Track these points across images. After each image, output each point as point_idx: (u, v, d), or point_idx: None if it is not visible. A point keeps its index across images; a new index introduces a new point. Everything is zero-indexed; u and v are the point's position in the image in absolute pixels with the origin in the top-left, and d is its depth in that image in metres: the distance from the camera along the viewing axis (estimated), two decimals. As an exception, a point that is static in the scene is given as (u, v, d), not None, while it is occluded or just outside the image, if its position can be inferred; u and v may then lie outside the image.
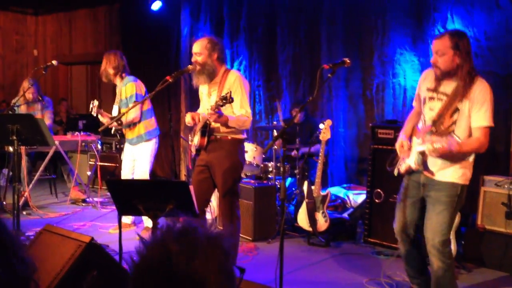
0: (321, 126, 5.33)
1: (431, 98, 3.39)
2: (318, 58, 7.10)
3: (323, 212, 5.29)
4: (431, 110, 3.38)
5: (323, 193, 5.35)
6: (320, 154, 5.30)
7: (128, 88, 5.40)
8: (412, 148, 3.44)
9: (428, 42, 5.94)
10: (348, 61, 3.41)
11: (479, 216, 4.74)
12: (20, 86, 6.64)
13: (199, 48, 4.19)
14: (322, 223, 5.29)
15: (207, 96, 4.31)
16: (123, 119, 5.32)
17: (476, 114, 3.22)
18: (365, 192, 5.58)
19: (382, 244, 5.14)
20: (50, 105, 7.05)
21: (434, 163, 3.37)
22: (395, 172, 3.58)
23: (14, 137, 4.62)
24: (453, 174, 3.34)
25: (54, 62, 5.41)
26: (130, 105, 5.24)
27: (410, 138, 3.51)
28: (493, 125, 3.27)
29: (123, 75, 5.51)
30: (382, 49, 6.49)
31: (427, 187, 3.44)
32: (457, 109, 3.26)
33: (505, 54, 5.37)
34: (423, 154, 3.35)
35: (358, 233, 5.44)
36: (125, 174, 5.57)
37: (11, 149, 5.39)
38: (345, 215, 5.91)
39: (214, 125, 4.15)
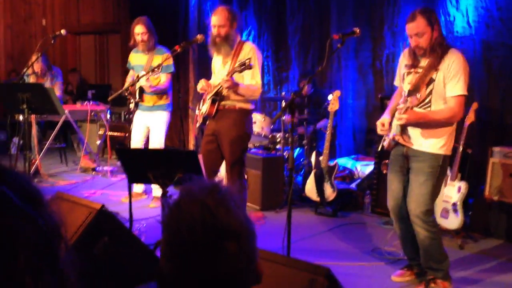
0: (329, 97, 5.32)
1: (409, 73, 3.49)
2: (328, 28, 7.03)
3: (330, 183, 5.32)
4: (409, 84, 3.46)
5: (331, 163, 5.37)
6: (329, 125, 5.30)
7: (165, 57, 5.35)
8: (393, 121, 3.50)
9: (439, 12, 5.85)
10: (358, 31, 3.40)
11: (487, 187, 4.75)
12: (29, 57, 6.64)
13: (221, 20, 4.15)
14: (330, 193, 5.32)
15: (222, 66, 4.30)
16: (155, 83, 5.27)
17: (450, 83, 3.31)
18: (373, 163, 5.59)
19: (389, 214, 5.16)
20: (60, 76, 7.06)
21: (415, 133, 3.45)
22: (379, 148, 3.64)
23: (24, 106, 4.65)
24: (434, 144, 3.42)
25: (62, 31, 5.39)
26: (163, 73, 5.23)
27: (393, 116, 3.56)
28: (467, 93, 3.35)
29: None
30: (392, 20, 6.41)
31: (410, 159, 3.51)
32: (432, 80, 3.36)
33: (517, 25, 5.29)
34: (400, 124, 3.43)
35: (365, 203, 5.48)
36: (136, 142, 5.53)
37: (21, 118, 5.42)
38: (353, 185, 5.94)
39: (225, 92, 4.16)
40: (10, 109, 5.24)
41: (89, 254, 2.98)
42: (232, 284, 1.09)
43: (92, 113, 6.98)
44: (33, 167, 6.30)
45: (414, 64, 3.46)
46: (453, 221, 4.39)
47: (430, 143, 3.42)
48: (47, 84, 6.73)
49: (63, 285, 0.63)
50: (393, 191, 3.65)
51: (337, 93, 5.31)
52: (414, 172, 3.49)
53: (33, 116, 6.19)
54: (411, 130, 3.46)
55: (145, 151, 4.44)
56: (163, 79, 5.34)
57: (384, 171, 5.17)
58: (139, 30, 5.36)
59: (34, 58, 6.29)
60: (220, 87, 4.14)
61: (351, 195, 5.67)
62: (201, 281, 1.07)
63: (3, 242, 0.58)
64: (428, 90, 3.37)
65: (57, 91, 6.66)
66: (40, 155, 6.57)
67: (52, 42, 5.44)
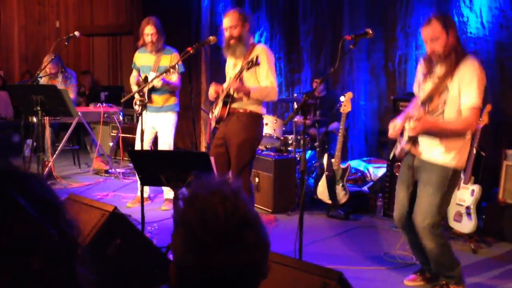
0: (342, 98, 5.30)
1: (425, 82, 3.42)
2: (340, 29, 7.01)
3: (342, 185, 5.30)
4: (424, 92, 3.40)
5: (343, 166, 5.35)
6: (341, 127, 5.28)
7: (174, 57, 5.33)
8: (405, 129, 3.44)
9: (453, 12, 5.81)
10: (370, 32, 3.38)
11: (501, 190, 4.71)
12: (43, 58, 6.70)
13: (233, 21, 4.16)
14: (342, 196, 5.30)
15: (232, 68, 4.31)
16: (168, 78, 5.23)
17: (465, 93, 3.21)
18: (385, 165, 5.56)
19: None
20: (74, 78, 7.10)
21: (426, 144, 3.38)
22: (390, 156, 3.58)
23: (38, 108, 4.69)
24: (444, 156, 3.33)
25: (76, 33, 5.43)
26: (173, 73, 5.19)
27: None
28: (481, 105, 3.25)
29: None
30: (405, 20, 6.38)
31: (419, 169, 3.44)
32: (446, 88, 3.27)
33: (532, 26, 5.24)
34: (411, 135, 3.37)
35: (377, 206, 5.45)
36: (144, 144, 5.48)
37: (35, 119, 5.46)
38: (365, 188, 5.91)
39: (236, 96, 4.15)
40: (24, 110, 5.28)
41: (102, 256, 3.00)
42: (251, 276, 1.11)
43: (105, 115, 7.01)
44: (46, 169, 6.35)
45: (430, 72, 3.39)
46: (467, 225, 4.35)
47: (441, 155, 3.33)
48: (60, 85, 6.77)
49: None
50: (399, 202, 3.60)
51: (350, 94, 5.29)
52: (422, 183, 3.41)
53: (46, 118, 6.23)
54: (423, 140, 3.39)
55: (157, 153, 4.45)
56: (174, 78, 5.34)
57: (397, 173, 5.14)
58: (148, 31, 5.34)
59: (47, 59, 6.34)
60: (230, 89, 4.15)
61: (363, 198, 5.65)
62: (224, 272, 1.08)
63: (16, 253, 0.58)
64: (442, 99, 3.28)
65: (71, 94, 6.70)
66: (54, 157, 6.62)
67: (66, 43, 5.48)
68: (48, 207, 0.68)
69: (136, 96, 5.17)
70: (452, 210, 4.46)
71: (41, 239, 0.62)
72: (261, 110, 4.25)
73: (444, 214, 3.48)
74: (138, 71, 5.57)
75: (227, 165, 4.34)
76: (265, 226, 1.17)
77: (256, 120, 4.23)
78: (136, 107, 5.35)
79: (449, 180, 3.35)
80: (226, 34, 4.20)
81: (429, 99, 3.32)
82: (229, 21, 4.18)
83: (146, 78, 5.36)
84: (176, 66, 4.77)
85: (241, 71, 3.99)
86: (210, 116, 4.50)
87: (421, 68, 3.53)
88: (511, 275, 3.94)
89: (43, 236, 0.62)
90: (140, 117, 5.29)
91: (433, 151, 3.35)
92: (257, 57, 3.88)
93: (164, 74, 4.78)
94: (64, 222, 0.70)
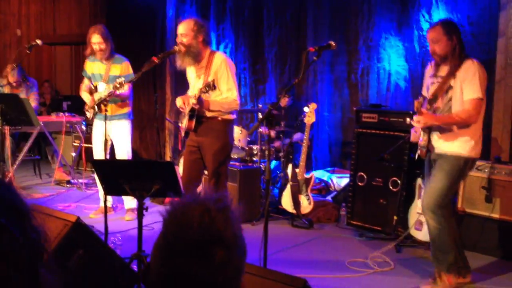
0: (305, 109, 5.37)
1: (432, 83, 3.77)
2: (304, 41, 7.11)
3: (307, 195, 5.36)
4: (430, 92, 3.76)
5: (307, 176, 5.41)
6: (305, 137, 5.34)
7: (124, 66, 5.32)
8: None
9: (413, 27, 5.97)
10: (333, 44, 3.46)
11: (460, 199, 4.83)
12: (4, 68, 6.57)
13: (185, 30, 4.21)
14: (306, 205, 5.35)
15: (196, 79, 4.35)
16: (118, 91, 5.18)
17: (465, 88, 3.56)
18: (348, 175, 5.64)
19: (365, 226, 5.21)
20: (35, 87, 6.98)
21: (438, 138, 3.71)
22: (416, 157, 3.92)
23: (-1, 117, 4.60)
24: (456, 146, 3.65)
25: (38, 41, 5.36)
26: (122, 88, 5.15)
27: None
28: (482, 96, 3.56)
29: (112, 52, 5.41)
30: (367, 34, 6.51)
31: (435, 162, 3.76)
32: (450, 87, 3.62)
33: (487, 40, 5.42)
34: (425, 130, 3.72)
35: (341, 215, 5.52)
36: (99, 153, 5.34)
37: (-5, 129, 5.34)
38: (329, 198, 5.98)
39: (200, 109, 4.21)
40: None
41: (63, 268, 2.95)
42: None
43: (68, 125, 6.90)
44: (7, 180, 6.20)
45: (435, 74, 3.74)
46: (427, 233, 4.44)
47: (452, 145, 3.65)
48: (22, 94, 6.65)
49: None
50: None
51: (313, 105, 5.36)
52: (435, 169, 3.73)
53: (7, 128, 6.10)
54: (436, 136, 3.72)
55: (122, 163, 4.41)
56: (125, 87, 5.29)
57: (360, 183, 5.23)
58: (95, 40, 5.27)
59: (9, 69, 6.22)
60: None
61: (327, 208, 5.71)
62: (183, 281, 1.08)
63: None
64: (448, 97, 3.63)
65: (33, 102, 6.58)
66: (14, 167, 6.47)
67: (28, 52, 5.39)
68: (14, 212, 0.68)
69: (87, 100, 5.25)
70: (413, 219, 4.56)
71: (6, 242, 0.62)
72: (232, 116, 4.34)
73: (452, 198, 3.95)
74: (89, 79, 5.52)
75: (201, 172, 4.42)
76: (243, 251, 1.17)
77: (227, 126, 4.33)
78: (88, 114, 5.34)
79: (460, 168, 3.66)
80: (178, 40, 4.25)
81: (434, 98, 3.67)
82: (181, 29, 4.24)
83: (96, 87, 5.34)
84: (123, 80, 4.78)
85: (200, 94, 4.05)
86: (180, 125, 4.53)
87: (429, 71, 3.87)
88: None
89: (8, 239, 0.63)
90: (98, 126, 5.27)
91: (445, 143, 3.68)
92: (213, 82, 3.96)
93: (115, 90, 4.82)
94: (30, 227, 0.70)
